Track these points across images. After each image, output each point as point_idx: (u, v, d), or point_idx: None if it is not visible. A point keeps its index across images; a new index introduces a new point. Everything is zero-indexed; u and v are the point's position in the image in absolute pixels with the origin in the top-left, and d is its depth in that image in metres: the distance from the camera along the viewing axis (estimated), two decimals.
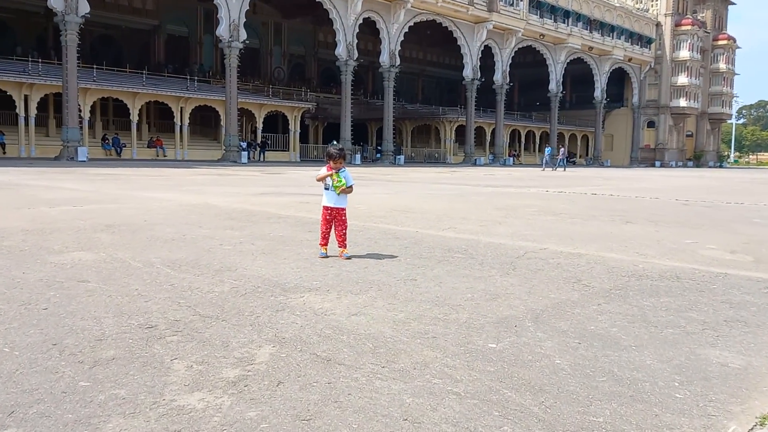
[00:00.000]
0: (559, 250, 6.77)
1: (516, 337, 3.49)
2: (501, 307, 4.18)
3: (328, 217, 5.96)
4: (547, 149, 47.43)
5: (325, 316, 3.83)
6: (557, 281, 5.08)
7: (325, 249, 5.97)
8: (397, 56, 46.88)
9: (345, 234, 6.01)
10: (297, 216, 9.32)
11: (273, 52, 60.46)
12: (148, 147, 42.07)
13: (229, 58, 38.49)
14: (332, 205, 5.93)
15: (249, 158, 40.54)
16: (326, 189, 5.95)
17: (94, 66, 39.36)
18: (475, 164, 53.09)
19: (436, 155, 59.23)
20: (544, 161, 44.74)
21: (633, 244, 7.31)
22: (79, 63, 38.33)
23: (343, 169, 5.93)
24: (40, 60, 36.96)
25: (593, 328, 3.72)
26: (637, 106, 73.85)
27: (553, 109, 62.19)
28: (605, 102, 68.45)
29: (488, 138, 61.27)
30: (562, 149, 47.18)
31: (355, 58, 44.17)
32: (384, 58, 46.34)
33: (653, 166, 71.11)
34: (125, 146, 40.40)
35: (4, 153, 36.02)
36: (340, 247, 5.99)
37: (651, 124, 75.08)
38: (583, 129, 73.90)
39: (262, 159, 43.80)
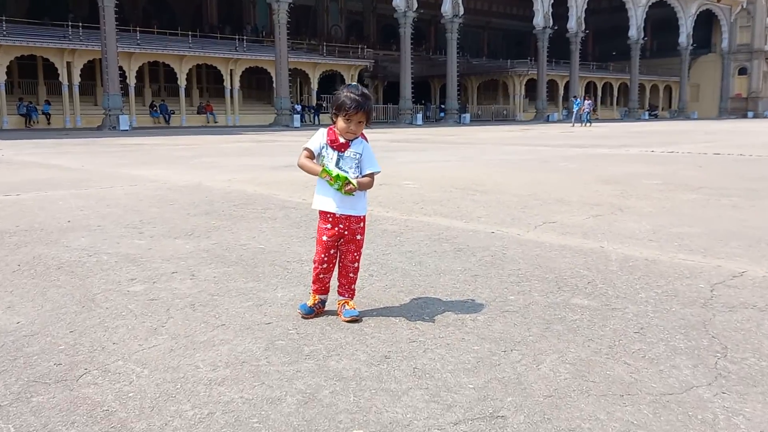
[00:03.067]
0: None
1: None
2: None
3: (328, 240, 2.89)
4: (575, 101, 40.82)
5: None
6: None
7: (318, 298, 2.96)
8: (461, 5, 42.88)
9: (356, 271, 2.97)
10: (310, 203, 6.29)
11: (329, 9, 57.25)
12: (197, 113, 39.92)
13: (278, 14, 35.60)
14: (336, 211, 2.86)
15: (302, 122, 37.82)
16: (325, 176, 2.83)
17: (137, 28, 37.08)
18: (547, 121, 48.85)
19: (504, 112, 55.07)
20: (574, 115, 39.22)
21: None
22: (128, 27, 36.34)
23: (358, 140, 2.86)
24: (80, 24, 34.88)
25: None
26: (726, 52, 67.02)
27: (634, 57, 56.75)
28: (691, 48, 62.26)
29: (561, 92, 56.60)
30: (588, 101, 39.74)
31: (414, 9, 40.52)
32: (446, 8, 42.48)
33: (745, 117, 64.54)
34: (173, 113, 38.28)
35: (49, 123, 34.44)
36: (342, 295, 2.96)
37: (742, 71, 68.16)
38: (665, 79, 67.79)
39: (317, 122, 41.01)
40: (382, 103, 52.19)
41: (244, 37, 41.72)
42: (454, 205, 6.24)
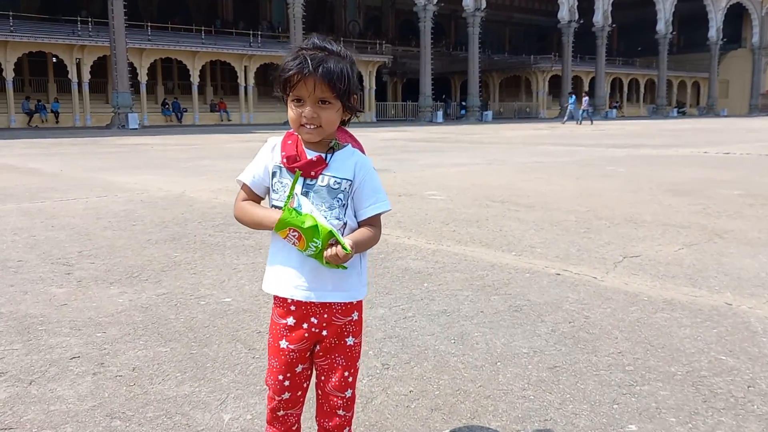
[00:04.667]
0: None
1: None
2: None
3: (291, 350, 1.46)
4: (570, 98, 37.88)
5: None
6: None
7: None
8: None
9: (349, 405, 1.52)
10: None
11: (347, 4, 55.88)
12: (210, 111, 38.73)
13: (293, 9, 34.33)
14: (305, 296, 1.44)
15: None
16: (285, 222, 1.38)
17: (148, 24, 35.95)
18: (572, 118, 47.09)
19: (527, 109, 53.31)
20: (567, 113, 36.59)
21: None
22: (141, 23, 35.23)
23: (345, 150, 1.49)
24: (90, 20, 33.82)
25: None
26: (757, 47, 64.52)
27: (662, 52, 54.67)
28: (720, 43, 60.02)
29: (586, 88, 54.66)
30: (586, 98, 36.88)
31: (434, 3, 39.03)
32: (468, 2, 40.93)
33: None
34: (186, 111, 37.12)
35: (57, 122, 33.41)
36: None
37: None
38: (693, 75, 65.53)
39: None
40: (401, 100, 50.73)
41: (259, 33, 40.40)
42: (494, 227, 4.82)
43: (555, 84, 51.70)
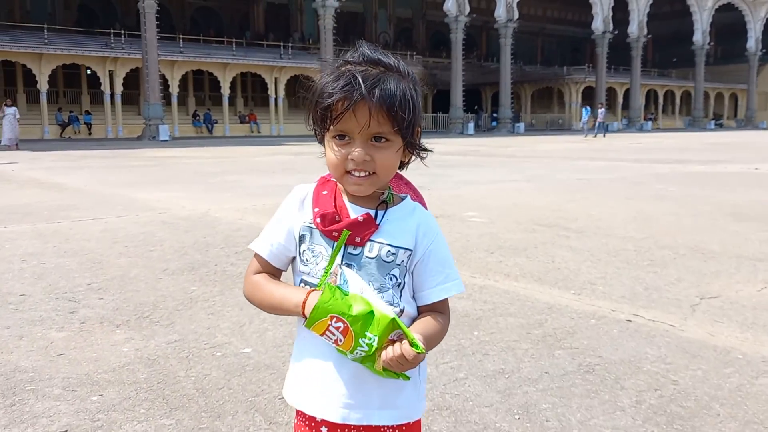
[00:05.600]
0: None
1: None
2: None
3: None
4: (584, 110, 35.94)
5: None
6: None
7: None
8: (515, 9, 40.79)
9: None
10: None
11: (378, 16, 55.84)
12: (240, 123, 38.74)
13: (324, 20, 34.18)
14: (341, 417, 1.02)
15: None
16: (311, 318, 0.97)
17: (179, 36, 36.13)
18: (607, 130, 46.19)
19: (560, 121, 52.47)
20: (585, 126, 34.62)
21: None
22: (174, 35, 35.41)
23: (402, 206, 1.07)
24: (123, 31, 34.08)
25: None
26: None
27: (699, 64, 53.46)
28: (759, 54, 58.54)
29: (620, 100, 53.72)
30: (602, 110, 34.45)
31: (466, 14, 38.63)
32: (500, 12, 40.45)
33: None
34: (216, 122, 37.16)
35: (90, 133, 33.64)
36: None
37: None
38: (731, 86, 64.02)
39: None
40: (431, 111, 50.33)
41: (290, 45, 40.37)
42: (546, 257, 4.35)
43: (588, 95, 50.84)
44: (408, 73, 1.02)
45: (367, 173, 0.99)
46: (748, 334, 2.82)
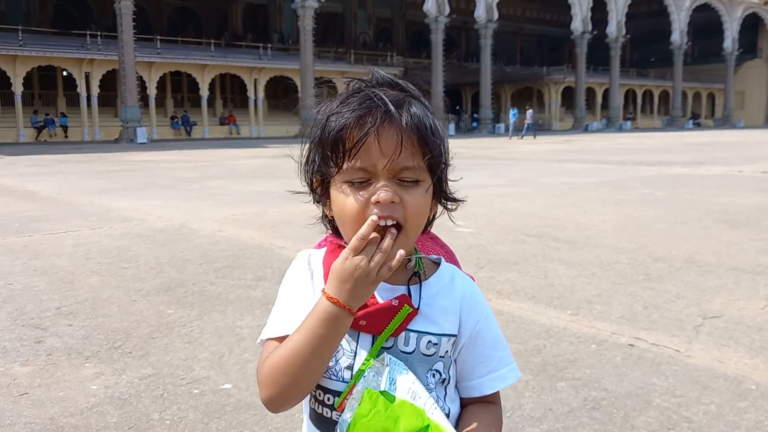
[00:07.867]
0: None
1: None
2: None
3: None
4: (512, 111, 35.74)
5: None
6: None
7: None
8: (495, 9, 40.79)
9: None
10: None
11: (358, 16, 55.57)
12: (220, 124, 38.33)
13: (303, 20, 33.94)
14: None
15: None
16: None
17: (157, 37, 35.64)
18: (586, 130, 46.42)
19: (540, 121, 52.59)
20: (512, 127, 34.45)
21: None
22: (151, 36, 34.92)
23: (437, 277, 0.88)
24: (99, 33, 33.55)
25: None
26: None
27: (677, 63, 53.92)
28: (736, 54, 59.17)
29: (599, 100, 54.02)
30: (530, 111, 33.93)
31: (446, 14, 38.54)
32: (480, 12, 40.44)
33: None
34: (195, 124, 36.73)
35: (66, 136, 33.05)
36: None
37: None
38: (708, 86, 64.67)
39: None
40: None
41: (269, 46, 40.01)
42: (537, 272, 4.19)
43: (567, 95, 51.02)
44: (427, 104, 0.84)
45: (393, 221, 0.77)
46: (757, 360, 2.68)
